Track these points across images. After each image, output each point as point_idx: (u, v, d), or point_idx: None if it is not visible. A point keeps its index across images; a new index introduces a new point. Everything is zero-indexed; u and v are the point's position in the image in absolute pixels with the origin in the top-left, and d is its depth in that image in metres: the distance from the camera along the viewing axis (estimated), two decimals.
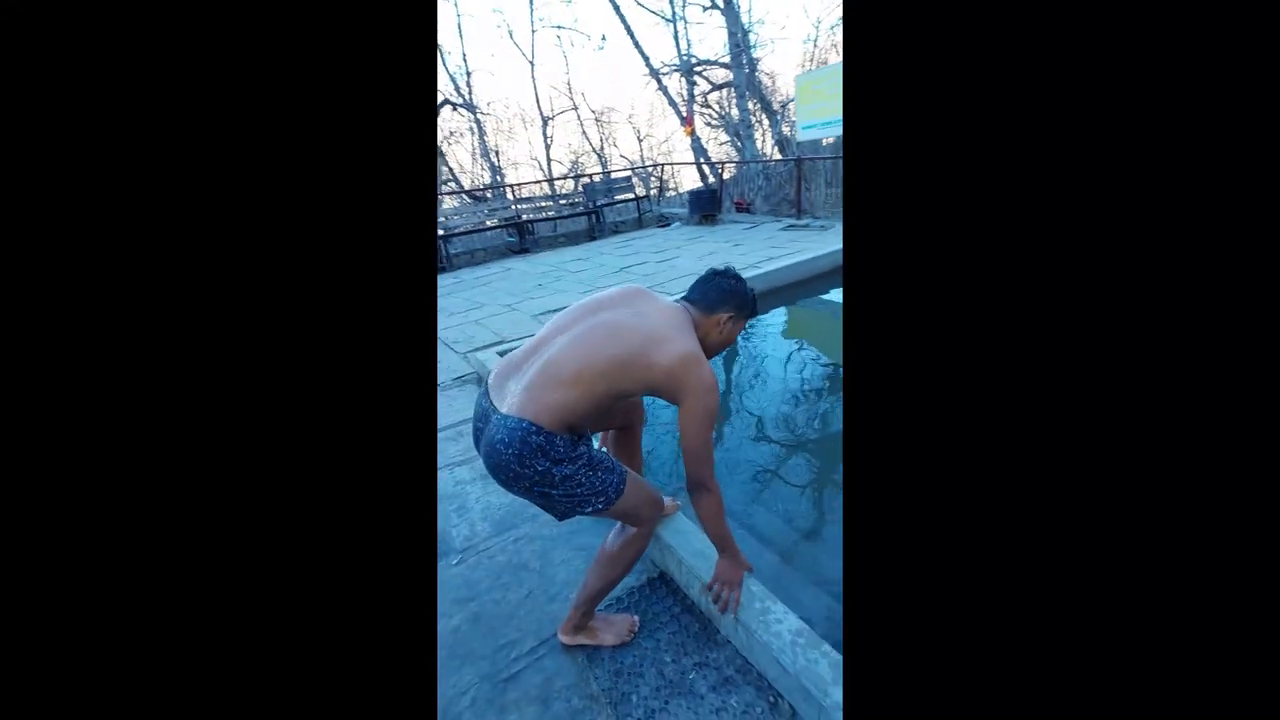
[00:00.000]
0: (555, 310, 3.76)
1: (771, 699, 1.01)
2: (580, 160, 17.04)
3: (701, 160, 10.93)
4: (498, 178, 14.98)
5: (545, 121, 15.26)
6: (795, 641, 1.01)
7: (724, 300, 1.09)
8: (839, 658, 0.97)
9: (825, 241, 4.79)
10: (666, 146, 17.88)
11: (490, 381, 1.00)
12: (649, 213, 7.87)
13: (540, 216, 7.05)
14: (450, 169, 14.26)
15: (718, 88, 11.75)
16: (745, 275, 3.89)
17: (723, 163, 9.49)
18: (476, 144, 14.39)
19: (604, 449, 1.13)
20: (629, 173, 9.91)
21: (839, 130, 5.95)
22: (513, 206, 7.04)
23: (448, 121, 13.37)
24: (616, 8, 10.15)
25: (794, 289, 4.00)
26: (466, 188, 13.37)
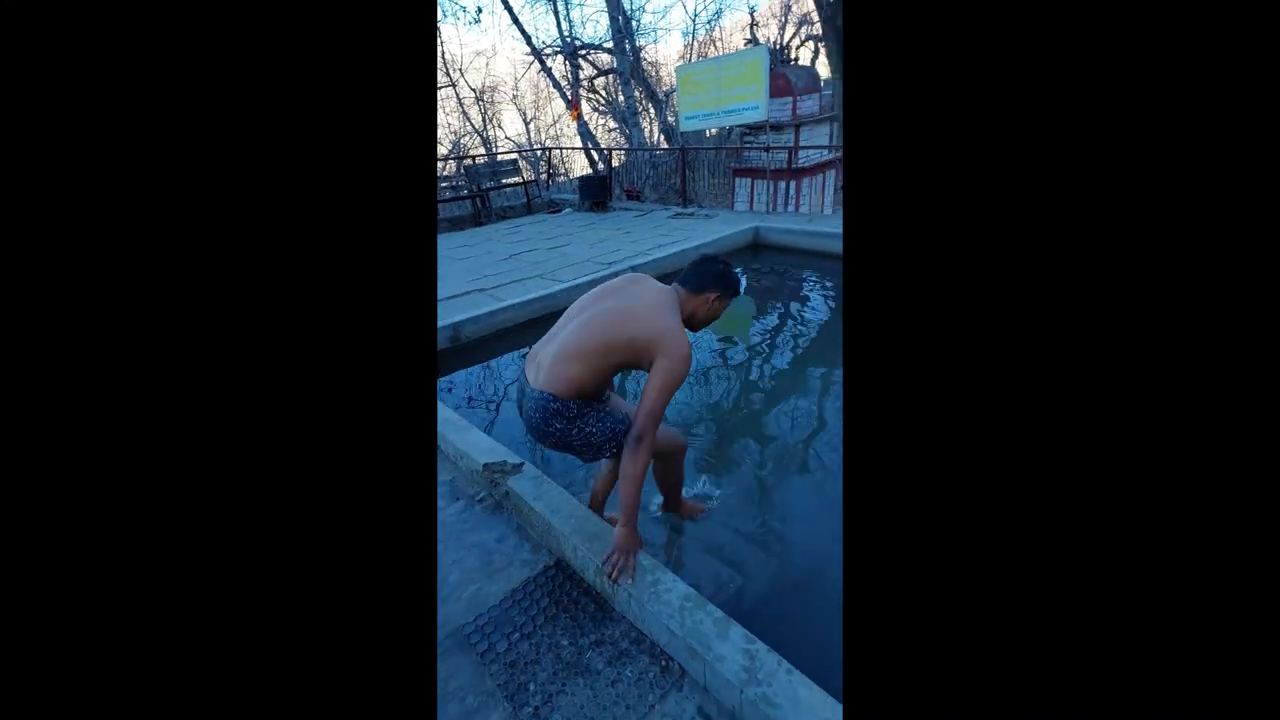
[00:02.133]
0: (442, 300, 3.55)
1: (663, 663, 1.07)
2: (462, 141, 16.07)
3: (590, 146, 10.85)
4: None
5: None
6: (684, 606, 1.08)
7: (713, 282, 1.32)
8: (722, 615, 1.05)
9: (710, 229, 5.02)
10: (555, 130, 17.49)
11: (524, 363, 1.30)
12: (539, 198, 7.66)
13: None
14: None
15: (603, 73, 11.69)
16: (637, 263, 4.00)
17: (611, 149, 9.50)
18: None
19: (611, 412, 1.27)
20: (515, 156, 9.56)
21: (719, 122, 6.22)
22: None
23: None
24: None
25: None
26: None
